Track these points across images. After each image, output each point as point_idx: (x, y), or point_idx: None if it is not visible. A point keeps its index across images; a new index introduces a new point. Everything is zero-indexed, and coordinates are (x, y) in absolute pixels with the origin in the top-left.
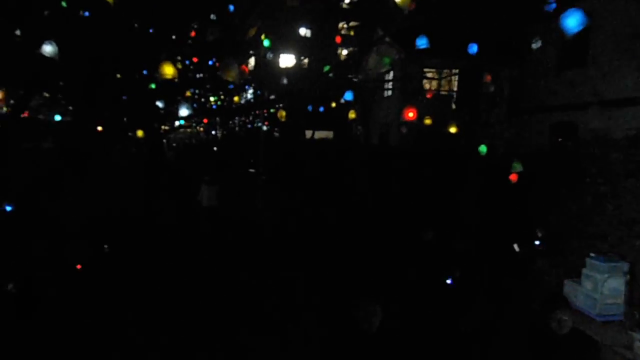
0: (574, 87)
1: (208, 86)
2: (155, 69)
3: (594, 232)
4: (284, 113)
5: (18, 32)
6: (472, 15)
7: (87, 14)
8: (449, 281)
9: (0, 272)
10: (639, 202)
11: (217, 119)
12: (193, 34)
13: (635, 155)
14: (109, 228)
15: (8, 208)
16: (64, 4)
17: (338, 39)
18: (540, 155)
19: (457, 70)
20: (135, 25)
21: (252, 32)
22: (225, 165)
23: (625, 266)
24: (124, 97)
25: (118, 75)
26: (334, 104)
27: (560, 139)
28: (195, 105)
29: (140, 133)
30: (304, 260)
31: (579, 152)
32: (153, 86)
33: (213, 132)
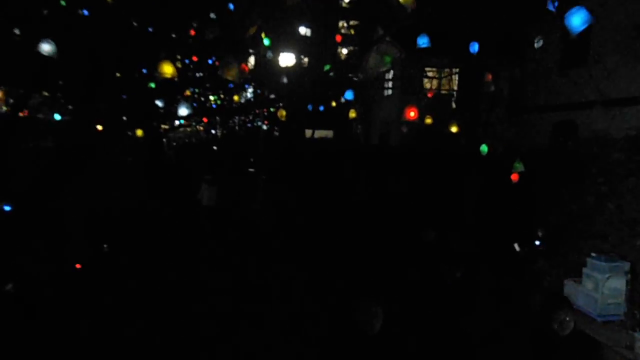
0: (575, 87)
1: (208, 85)
2: (154, 68)
3: (595, 231)
4: (284, 112)
5: (17, 32)
6: (473, 14)
7: (86, 12)
8: (449, 281)
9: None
10: (639, 202)
11: (217, 118)
12: (193, 32)
13: (636, 155)
14: (109, 227)
15: (7, 208)
16: (63, 2)
17: (338, 38)
18: (540, 155)
19: (457, 70)
20: (135, 24)
21: (252, 30)
22: (225, 164)
23: (626, 266)
24: (124, 97)
25: (118, 75)
26: (334, 103)
27: (560, 139)
28: (195, 104)
29: (139, 132)
30: (304, 261)
31: (579, 151)
32: (153, 85)
33: (213, 131)
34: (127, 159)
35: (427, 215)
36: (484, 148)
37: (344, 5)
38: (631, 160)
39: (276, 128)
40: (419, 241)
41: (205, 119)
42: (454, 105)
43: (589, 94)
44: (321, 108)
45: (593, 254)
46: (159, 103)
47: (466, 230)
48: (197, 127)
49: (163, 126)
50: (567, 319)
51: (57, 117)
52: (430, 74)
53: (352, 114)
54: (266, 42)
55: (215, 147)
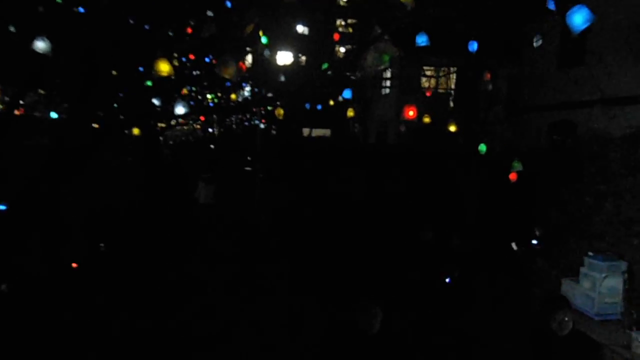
0: (575, 86)
1: (205, 83)
2: (151, 66)
3: (593, 231)
4: (281, 111)
5: (12, 29)
6: (471, 13)
7: (82, 10)
8: (447, 281)
9: None
10: (637, 202)
11: (214, 116)
12: (189, 30)
13: (634, 154)
14: (105, 226)
15: (2, 207)
16: (58, 0)
17: (336, 36)
18: (539, 154)
19: (455, 69)
20: (131, 21)
21: (250, 28)
22: (222, 163)
23: (623, 265)
24: (120, 95)
25: (114, 72)
26: (331, 102)
27: (558, 138)
28: (192, 102)
29: (136, 131)
30: (303, 260)
31: (577, 151)
32: (149, 83)
33: (210, 130)
34: (126, 158)
35: (425, 215)
36: (482, 147)
37: (342, 3)
38: (629, 160)
39: (274, 127)
40: (417, 241)
41: (202, 118)
42: (452, 104)
43: (589, 93)
44: (319, 107)
45: (590, 253)
46: (155, 101)
47: (464, 229)
48: (194, 125)
49: (160, 124)
50: (567, 319)
51: (54, 115)
52: (428, 73)
53: (350, 112)
54: (264, 40)
55: (212, 146)
